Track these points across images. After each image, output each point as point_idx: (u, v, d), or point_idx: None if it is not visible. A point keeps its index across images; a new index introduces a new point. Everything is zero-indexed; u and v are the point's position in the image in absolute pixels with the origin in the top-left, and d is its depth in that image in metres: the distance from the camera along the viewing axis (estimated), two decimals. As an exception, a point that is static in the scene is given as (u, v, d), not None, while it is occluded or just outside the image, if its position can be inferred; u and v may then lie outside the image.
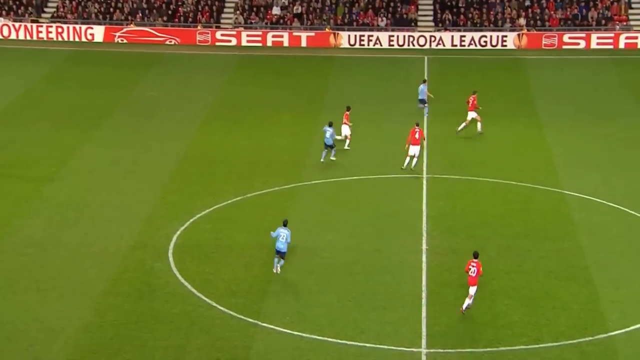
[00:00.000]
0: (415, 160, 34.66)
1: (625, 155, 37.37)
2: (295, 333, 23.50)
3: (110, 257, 27.76)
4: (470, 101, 39.57)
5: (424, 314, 24.42)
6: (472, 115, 39.43)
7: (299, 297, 25.49)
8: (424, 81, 43.67)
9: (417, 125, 35.28)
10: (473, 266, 24.48)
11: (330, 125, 35.70)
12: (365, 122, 41.30)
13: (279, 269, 26.64)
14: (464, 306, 24.41)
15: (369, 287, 26.03)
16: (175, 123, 41.57)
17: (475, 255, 24.68)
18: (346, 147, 37.43)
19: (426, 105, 42.57)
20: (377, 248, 28.56)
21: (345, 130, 37.61)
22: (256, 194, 32.80)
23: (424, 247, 28.50)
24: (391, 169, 35.53)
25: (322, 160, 35.67)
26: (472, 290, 24.40)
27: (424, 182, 34.09)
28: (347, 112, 38.09)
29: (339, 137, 37.07)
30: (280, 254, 26.53)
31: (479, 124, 39.46)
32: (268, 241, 28.88)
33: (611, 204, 31.86)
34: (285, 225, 26.66)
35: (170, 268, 27.04)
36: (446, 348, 22.87)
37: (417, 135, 34.64)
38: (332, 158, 35.77)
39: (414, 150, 34.58)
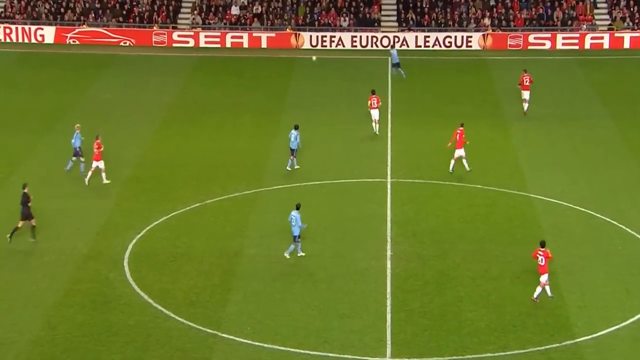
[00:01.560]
0: (464, 161, 34.18)
1: (590, 157, 37.28)
2: (257, 343, 23.03)
3: (63, 267, 27.10)
4: (525, 81, 40.93)
5: (388, 322, 24.07)
6: (525, 95, 40.97)
7: (261, 306, 24.95)
8: (392, 46, 46.34)
9: (462, 125, 34.57)
10: (540, 255, 24.85)
11: (296, 128, 34.83)
12: (328, 125, 40.85)
13: (287, 254, 27.23)
14: (549, 293, 24.86)
15: (332, 294, 25.59)
16: (131, 127, 40.76)
17: (542, 245, 25.00)
18: (376, 131, 38.44)
19: (400, 69, 45.97)
20: (340, 254, 28.11)
21: (375, 114, 38.55)
22: (216, 200, 32.15)
23: (389, 252, 28.11)
24: (354, 172, 34.99)
25: (287, 168, 34.74)
26: (543, 278, 24.82)
27: (388, 186, 33.63)
28: (377, 97, 38.69)
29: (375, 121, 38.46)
30: (294, 238, 27.18)
31: (525, 105, 40.85)
32: (228, 248, 28.39)
33: (577, 207, 31.69)
34: (297, 208, 27.15)
35: (125, 278, 26.45)
36: (411, 356, 22.55)
37: (457, 137, 34.10)
38: (288, 168, 34.62)
39: (458, 152, 34.13)
